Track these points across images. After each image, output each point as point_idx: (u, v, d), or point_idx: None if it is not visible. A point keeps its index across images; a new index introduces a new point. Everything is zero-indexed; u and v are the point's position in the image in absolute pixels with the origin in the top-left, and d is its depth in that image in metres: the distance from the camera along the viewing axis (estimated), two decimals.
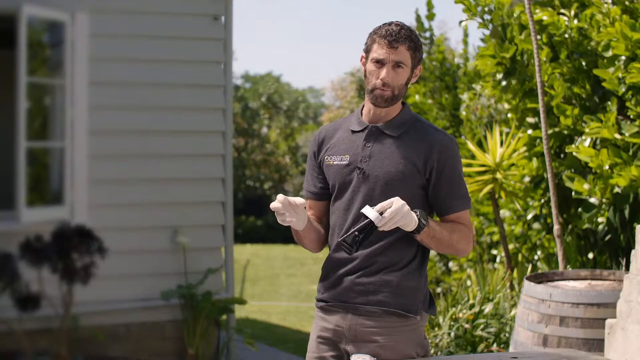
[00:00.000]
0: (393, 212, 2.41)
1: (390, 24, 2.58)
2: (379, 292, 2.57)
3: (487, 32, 5.67)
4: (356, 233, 2.46)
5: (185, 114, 5.98)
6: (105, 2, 5.74)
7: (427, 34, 8.46)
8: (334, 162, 2.66)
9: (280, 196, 2.48)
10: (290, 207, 2.49)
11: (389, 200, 2.44)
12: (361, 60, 2.64)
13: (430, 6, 8.19)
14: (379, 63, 2.56)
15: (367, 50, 2.61)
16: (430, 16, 8.30)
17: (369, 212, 2.43)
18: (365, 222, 2.44)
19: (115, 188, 5.76)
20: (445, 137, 2.63)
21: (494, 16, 5.54)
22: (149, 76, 5.86)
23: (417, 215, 2.48)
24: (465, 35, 7.99)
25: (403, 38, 2.54)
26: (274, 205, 2.47)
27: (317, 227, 2.70)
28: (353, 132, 2.67)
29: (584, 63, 5.20)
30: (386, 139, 2.61)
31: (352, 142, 2.65)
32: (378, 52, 2.56)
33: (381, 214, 2.42)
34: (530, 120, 5.61)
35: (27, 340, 5.09)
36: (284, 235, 18.42)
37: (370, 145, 2.61)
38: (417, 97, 7.98)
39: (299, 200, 2.50)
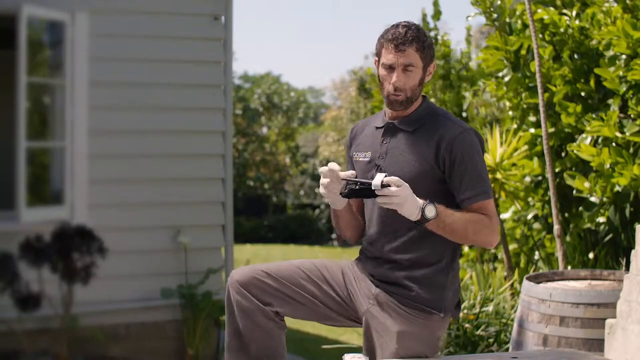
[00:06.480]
0: (393, 192, 2.44)
1: (397, 26, 2.59)
2: (407, 287, 2.60)
3: (493, 30, 5.69)
4: (358, 185, 2.53)
5: (185, 114, 5.98)
6: (105, 2, 5.74)
7: (433, 34, 8.47)
8: (359, 159, 2.73)
9: (334, 165, 2.54)
10: (337, 180, 2.55)
11: (401, 181, 2.46)
12: (375, 63, 2.68)
13: (437, 6, 8.21)
14: (389, 68, 2.58)
15: (378, 55, 2.64)
16: (437, 15, 8.32)
17: (377, 178, 2.48)
18: (368, 183, 2.50)
19: (115, 188, 5.75)
20: (457, 127, 2.61)
21: (500, 11, 5.55)
22: (149, 76, 5.85)
23: (421, 206, 2.47)
24: (469, 35, 8.00)
25: (410, 40, 2.54)
26: (326, 170, 2.53)
27: (354, 213, 2.77)
28: (376, 128, 2.73)
29: (585, 63, 5.20)
30: (401, 134, 2.64)
31: (373, 139, 2.71)
32: (387, 57, 2.58)
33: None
34: (532, 118, 5.60)
35: (27, 340, 5.09)
36: (284, 235, 18.41)
37: (387, 141, 2.65)
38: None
39: (335, 166, 2.56)
